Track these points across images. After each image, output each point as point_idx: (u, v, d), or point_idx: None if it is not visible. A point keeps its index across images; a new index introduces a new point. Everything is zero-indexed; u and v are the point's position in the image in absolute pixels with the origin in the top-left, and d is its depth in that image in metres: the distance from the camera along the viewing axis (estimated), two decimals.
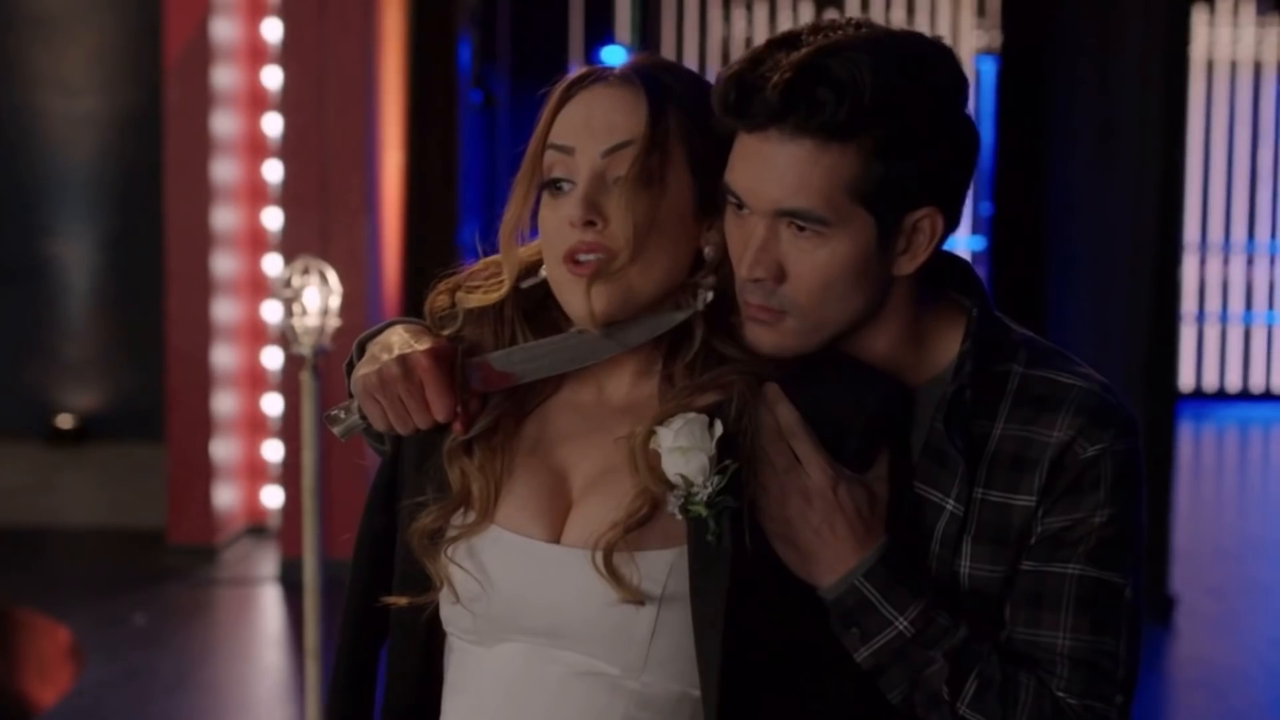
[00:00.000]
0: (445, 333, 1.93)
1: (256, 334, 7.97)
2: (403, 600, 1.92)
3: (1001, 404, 1.91)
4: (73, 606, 6.81)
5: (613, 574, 1.79)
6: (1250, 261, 13.15)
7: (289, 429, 7.43)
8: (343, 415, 1.92)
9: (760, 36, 12.68)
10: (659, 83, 1.87)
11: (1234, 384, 13.12)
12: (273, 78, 7.77)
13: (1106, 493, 1.88)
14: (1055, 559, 1.88)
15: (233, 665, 6.40)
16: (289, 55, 7.39)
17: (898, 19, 12.15)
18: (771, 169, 1.83)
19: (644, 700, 1.82)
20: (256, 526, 8.10)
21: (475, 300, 1.94)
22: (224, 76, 7.68)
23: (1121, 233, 7.20)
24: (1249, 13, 12.74)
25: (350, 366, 1.99)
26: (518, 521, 1.86)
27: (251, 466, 8.05)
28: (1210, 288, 13.18)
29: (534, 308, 1.94)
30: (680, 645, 1.80)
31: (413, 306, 7.90)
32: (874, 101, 1.79)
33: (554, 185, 1.87)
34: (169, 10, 7.54)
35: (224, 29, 7.67)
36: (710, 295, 1.88)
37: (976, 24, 12.27)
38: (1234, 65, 12.84)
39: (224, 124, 7.69)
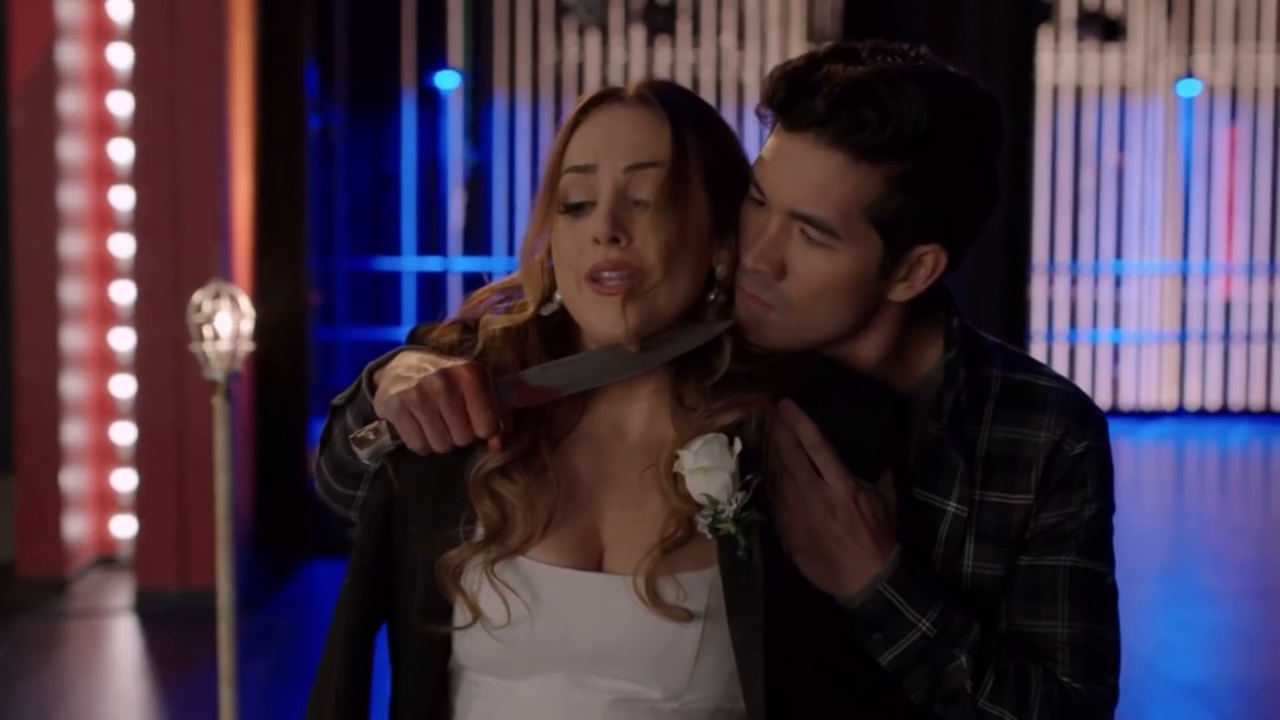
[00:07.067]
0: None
1: (105, 362, 7.85)
2: (431, 630, 1.88)
3: (986, 408, 1.99)
4: None
5: (655, 598, 1.80)
6: (1096, 282, 13.52)
7: (143, 457, 7.34)
8: (371, 437, 1.87)
9: (592, 62, 12.76)
10: (675, 104, 1.88)
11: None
12: (119, 103, 7.67)
13: (1093, 487, 1.98)
14: (1049, 552, 1.97)
15: (93, 699, 6.29)
16: (140, 80, 7.28)
17: (728, 42, 12.27)
18: (799, 170, 1.88)
19: (684, 719, 1.85)
20: (106, 557, 7.96)
21: (502, 322, 1.93)
22: (71, 102, 7.57)
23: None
24: (1070, 38, 13.07)
25: (354, 395, 1.97)
26: (554, 554, 1.85)
27: (101, 496, 7.92)
28: (1058, 307, 13.51)
29: (550, 335, 1.94)
30: (720, 663, 1.82)
31: (262, 333, 7.81)
32: (915, 134, 1.84)
33: (575, 208, 1.86)
34: (15, 34, 7.41)
35: (70, 54, 7.55)
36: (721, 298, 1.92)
37: (806, 47, 12.41)
38: (1056, 90, 13.16)
39: (71, 150, 7.57)
